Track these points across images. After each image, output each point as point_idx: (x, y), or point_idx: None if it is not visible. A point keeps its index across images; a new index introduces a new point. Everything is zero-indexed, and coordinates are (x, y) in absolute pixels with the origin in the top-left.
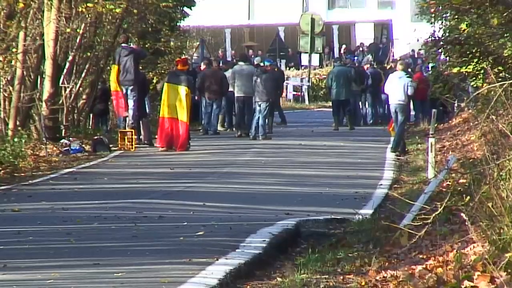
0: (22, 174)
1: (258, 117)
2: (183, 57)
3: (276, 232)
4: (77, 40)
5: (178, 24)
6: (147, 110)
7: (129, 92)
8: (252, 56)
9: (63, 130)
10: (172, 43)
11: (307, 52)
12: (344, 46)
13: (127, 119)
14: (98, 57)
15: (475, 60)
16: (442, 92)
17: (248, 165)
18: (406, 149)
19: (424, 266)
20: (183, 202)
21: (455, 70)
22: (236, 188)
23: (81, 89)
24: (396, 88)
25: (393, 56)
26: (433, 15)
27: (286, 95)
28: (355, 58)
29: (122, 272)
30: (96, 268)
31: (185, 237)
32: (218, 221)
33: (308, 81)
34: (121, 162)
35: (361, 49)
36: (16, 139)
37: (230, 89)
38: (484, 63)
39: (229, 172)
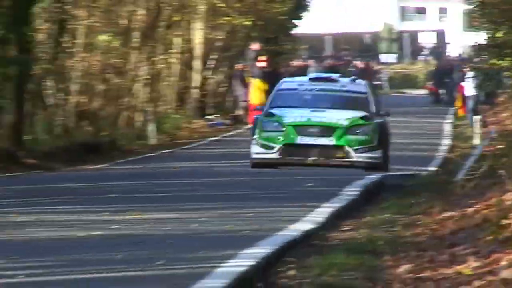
0: (180, 141)
1: None
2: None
3: (366, 184)
4: (218, 44)
5: (290, 32)
6: None
7: None
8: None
9: (210, 109)
10: (289, 46)
11: (386, 53)
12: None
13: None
14: (232, 57)
15: (509, 58)
16: (487, 83)
17: None
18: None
19: (473, 208)
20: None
21: (493, 62)
22: None
23: (221, 79)
24: (470, 84)
25: (447, 56)
26: (477, 27)
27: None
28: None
29: (252, 213)
30: (235, 210)
31: (302, 188)
32: (324, 175)
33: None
34: None
35: (425, 52)
36: (176, 116)
37: None
38: None
39: None
